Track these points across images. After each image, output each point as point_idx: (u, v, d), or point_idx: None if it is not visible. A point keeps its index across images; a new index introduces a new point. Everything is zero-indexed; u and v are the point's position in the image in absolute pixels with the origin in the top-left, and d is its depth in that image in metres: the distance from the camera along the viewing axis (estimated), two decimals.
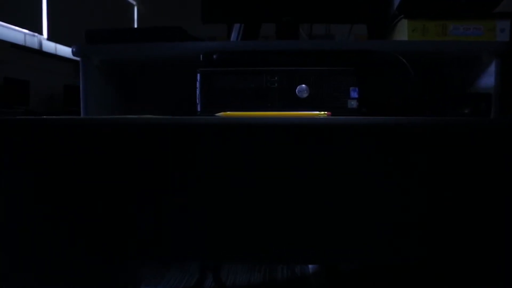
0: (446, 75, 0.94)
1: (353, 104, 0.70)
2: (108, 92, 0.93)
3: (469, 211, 0.65)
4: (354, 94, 0.70)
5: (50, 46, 4.19)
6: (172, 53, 0.81)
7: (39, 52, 4.02)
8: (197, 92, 0.73)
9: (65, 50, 4.21)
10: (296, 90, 0.72)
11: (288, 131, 0.67)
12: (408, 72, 0.74)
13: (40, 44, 4.09)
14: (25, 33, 3.89)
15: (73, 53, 0.86)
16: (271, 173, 0.66)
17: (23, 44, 3.84)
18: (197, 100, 0.72)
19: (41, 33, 4.04)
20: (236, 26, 0.99)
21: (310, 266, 1.26)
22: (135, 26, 5.50)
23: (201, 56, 0.75)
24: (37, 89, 3.81)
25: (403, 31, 0.85)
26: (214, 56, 0.74)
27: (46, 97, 4.00)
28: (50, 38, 4.14)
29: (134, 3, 5.54)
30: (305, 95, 0.71)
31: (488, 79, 0.84)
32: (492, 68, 0.82)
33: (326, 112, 0.64)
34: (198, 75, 0.72)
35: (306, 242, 0.74)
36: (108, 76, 0.92)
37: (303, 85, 0.71)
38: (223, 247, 0.77)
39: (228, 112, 0.66)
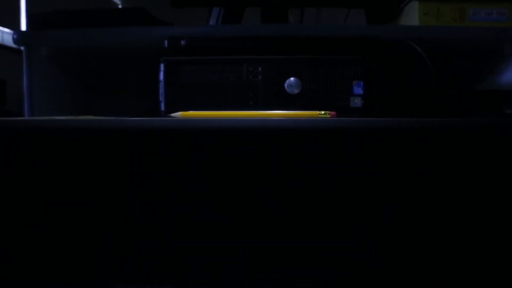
0: (460, 68, 0.81)
1: (357, 102, 0.56)
2: (60, 87, 0.78)
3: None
4: (358, 90, 0.56)
5: None
6: (133, 39, 0.67)
7: (18, 51, 3.84)
8: (160, 86, 0.58)
9: None
10: (285, 85, 0.57)
11: (276, 137, 0.54)
12: (423, 64, 0.60)
13: None
14: (2, 31, 3.72)
15: (15, 41, 0.71)
16: (249, 190, 0.54)
17: (1, 42, 3.67)
18: (160, 96, 0.58)
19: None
20: (215, 11, 0.84)
21: None
22: None
23: (165, 41, 0.60)
24: (15, 89, 3.64)
25: (413, 16, 0.71)
26: (182, 42, 0.59)
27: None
28: None
29: (119, 2, 5.38)
30: (296, 90, 0.57)
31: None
32: None
33: (328, 112, 0.49)
34: (162, 65, 0.58)
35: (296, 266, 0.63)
36: (60, 69, 0.77)
37: (294, 78, 0.57)
38: (195, 271, 0.65)
39: (191, 112, 0.52)
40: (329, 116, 0.50)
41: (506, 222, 0.59)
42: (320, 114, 0.51)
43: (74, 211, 0.61)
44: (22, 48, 0.72)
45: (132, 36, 0.66)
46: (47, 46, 0.72)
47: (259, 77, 0.58)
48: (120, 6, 5.38)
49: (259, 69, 0.57)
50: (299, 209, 0.57)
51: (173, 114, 0.52)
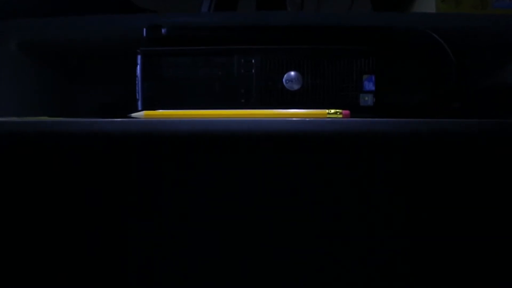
0: (481, 61, 0.73)
1: (368, 100, 0.48)
2: (32, 85, 0.70)
3: None
4: (369, 85, 0.48)
5: None
6: (109, 29, 0.58)
7: None
8: (137, 82, 0.50)
9: None
10: (283, 80, 0.49)
11: (273, 143, 0.46)
12: (444, 57, 0.52)
13: None
14: None
15: None
16: (240, 213, 0.47)
17: None
18: (137, 93, 0.50)
19: None
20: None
21: None
22: None
23: (144, 30, 0.52)
24: None
25: (428, 3, 0.63)
26: (163, 30, 0.51)
27: None
28: None
29: None
30: (296, 86, 0.49)
31: None
32: None
33: (340, 111, 0.41)
34: (139, 57, 0.50)
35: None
36: (33, 65, 0.69)
37: (293, 72, 0.49)
38: None
39: (158, 112, 0.44)
40: (341, 116, 0.41)
41: None
42: (329, 113, 0.42)
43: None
44: None
45: (107, 25, 0.57)
46: (17, 40, 0.64)
47: (253, 70, 0.49)
48: None
49: (253, 61, 0.49)
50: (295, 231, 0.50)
51: (134, 114, 0.44)
